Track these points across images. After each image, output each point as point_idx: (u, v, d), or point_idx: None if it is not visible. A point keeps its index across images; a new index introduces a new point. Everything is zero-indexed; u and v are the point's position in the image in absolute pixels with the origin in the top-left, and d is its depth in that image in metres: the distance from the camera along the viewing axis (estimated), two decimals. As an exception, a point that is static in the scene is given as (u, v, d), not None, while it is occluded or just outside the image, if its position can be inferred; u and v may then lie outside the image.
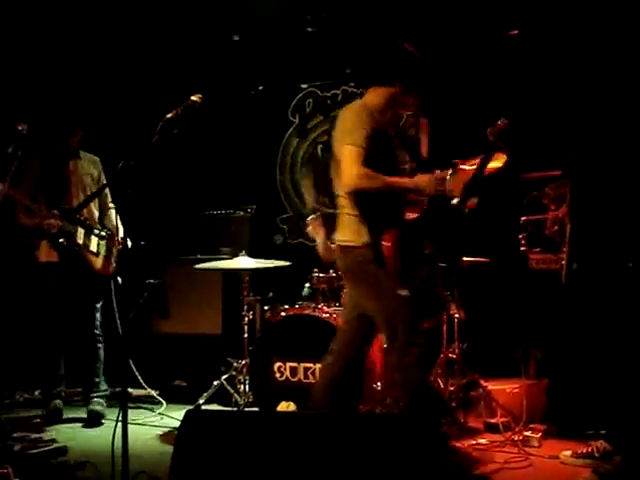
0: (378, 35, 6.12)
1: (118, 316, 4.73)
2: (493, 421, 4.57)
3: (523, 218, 4.90)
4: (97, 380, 5.17)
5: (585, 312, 4.48)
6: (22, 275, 5.50)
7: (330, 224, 4.20)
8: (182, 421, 2.87)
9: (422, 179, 3.64)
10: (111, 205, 5.19)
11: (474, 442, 4.33)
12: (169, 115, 3.39)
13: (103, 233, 5.10)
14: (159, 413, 5.21)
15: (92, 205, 5.13)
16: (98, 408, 5.04)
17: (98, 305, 5.16)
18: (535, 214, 4.91)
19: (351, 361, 3.87)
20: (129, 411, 4.95)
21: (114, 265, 5.14)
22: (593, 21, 5.20)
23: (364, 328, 3.84)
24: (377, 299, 3.68)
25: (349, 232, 3.72)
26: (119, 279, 4.79)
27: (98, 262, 5.08)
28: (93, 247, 5.05)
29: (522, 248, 4.86)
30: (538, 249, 4.83)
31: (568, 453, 3.98)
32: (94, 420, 4.96)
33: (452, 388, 4.77)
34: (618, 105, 4.96)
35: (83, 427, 4.93)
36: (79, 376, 5.38)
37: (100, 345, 5.18)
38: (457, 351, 4.86)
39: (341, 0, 6.24)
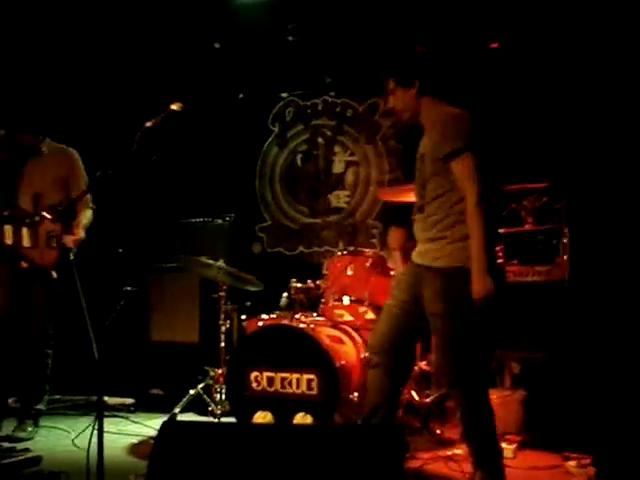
0: (359, 46, 6.18)
1: (89, 321, 4.64)
2: (469, 432, 4.59)
3: (501, 230, 4.95)
4: (38, 394, 4.87)
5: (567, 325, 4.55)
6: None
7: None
8: (158, 432, 2.85)
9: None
10: (92, 205, 4.89)
11: (450, 453, 4.33)
12: (148, 124, 3.38)
13: (37, 218, 4.65)
14: (134, 421, 5.17)
15: (49, 202, 4.69)
16: (22, 435, 4.68)
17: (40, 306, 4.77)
18: (513, 226, 4.97)
19: None
20: (104, 420, 5.00)
21: (54, 253, 4.69)
22: (577, 32, 5.29)
23: None
24: None
25: None
26: (54, 273, 4.64)
27: (39, 255, 4.68)
28: (26, 241, 4.66)
29: (499, 260, 4.91)
30: (515, 261, 4.88)
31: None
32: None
33: (427, 400, 4.79)
34: (604, 115, 5.04)
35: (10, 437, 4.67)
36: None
37: (47, 353, 4.85)
38: (432, 362, 4.88)
39: (323, 10, 6.24)
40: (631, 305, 4.61)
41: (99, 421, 3.23)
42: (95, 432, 3.24)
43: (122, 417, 5.30)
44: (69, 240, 4.62)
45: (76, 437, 4.70)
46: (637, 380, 4.32)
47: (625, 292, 4.70)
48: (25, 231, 4.67)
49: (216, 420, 4.85)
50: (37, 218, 4.60)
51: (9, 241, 4.65)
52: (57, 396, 5.53)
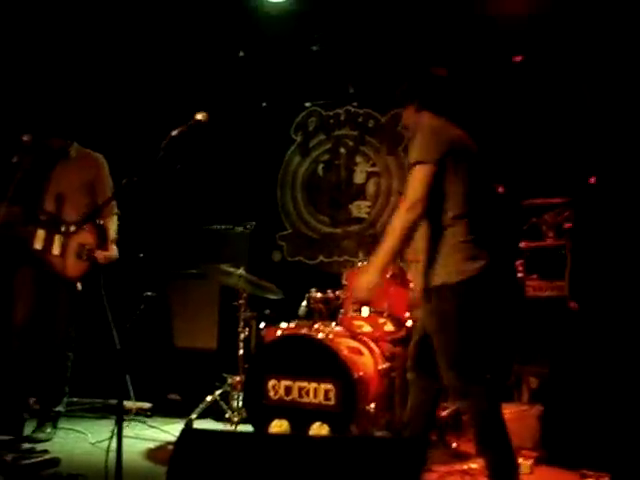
0: (383, 57, 6.20)
1: (114, 326, 4.66)
2: (485, 446, 4.58)
3: (522, 244, 4.94)
4: (58, 396, 4.87)
5: (583, 340, 4.53)
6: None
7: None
8: (178, 439, 2.87)
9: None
10: (117, 211, 4.86)
11: (465, 467, 4.32)
12: (174, 132, 3.41)
13: (72, 228, 4.63)
14: (152, 426, 5.20)
15: (72, 205, 4.73)
16: (41, 436, 4.70)
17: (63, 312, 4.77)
18: (534, 240, 4.96)
19: None
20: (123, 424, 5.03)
21: (82, 265, 4.63)
22: (596, 46, 5.28)
23: None
24: None
25: None
26: (79, 285, 4.64)
27: (63, 264, 4.64)
28: (56, 249, 4.62)
29: (519, 274, 4.91)
30: (535, 276, 4.87)
31: None
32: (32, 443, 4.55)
33: (444, 413, 4.78)
34: (623, 135, 5.03)
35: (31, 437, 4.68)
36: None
37: (68, 356, 4.85)
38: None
39: (347, 20, 6.27)
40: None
41: (118, 425, 3.26)
42: (114, 436, 3.27)
43: (140, 421, 5.35)
44: (101, 256, 4.62)
45: (99, 441, 4.72)
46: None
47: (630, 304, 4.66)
48: (57, 238, 4.64)
49: (233, 427, 4.88)
50: (72, 228, 4.58)
51: (38, 246, 4.63)
52: (75, 399, 5.58)
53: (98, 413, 5.59)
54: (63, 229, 4.61)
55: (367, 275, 3.40)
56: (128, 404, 5.52)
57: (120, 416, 3.29)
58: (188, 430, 2.97)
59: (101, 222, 4.64)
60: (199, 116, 3.58)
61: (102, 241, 4.56)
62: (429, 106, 3.60)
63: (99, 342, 5.47)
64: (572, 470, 4.15)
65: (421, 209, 3.29)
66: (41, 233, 4.63)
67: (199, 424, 5.12)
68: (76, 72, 6.24)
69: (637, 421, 4.24)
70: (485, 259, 3.37)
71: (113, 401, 5.64)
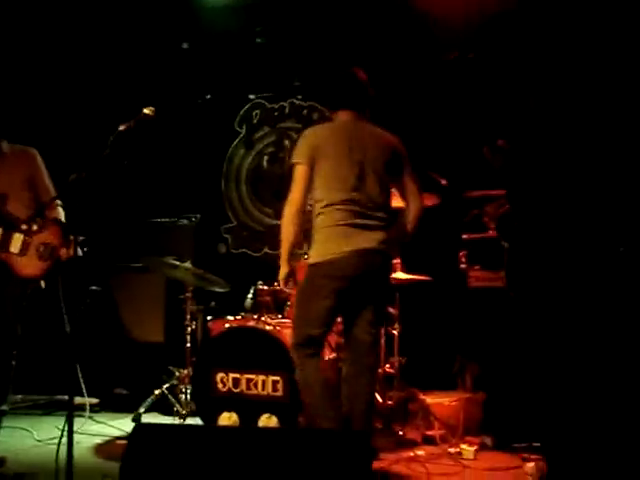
0: (327, 50, 6.23)
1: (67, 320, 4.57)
2: (430, 433, 4.70)
3: (464, 236, 5.05)
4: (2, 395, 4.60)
5: (522, 325, 4.66)
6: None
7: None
8: (130, 434, 2.88)
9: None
10: (58, 202, 4.64)
11: (412, 454, 4.42)
12: (121, 127, 3.40)
13: (34, 227, 4.45)
14: (99, 421, 5.16)
15: (16, 202, 4.52)
16: None
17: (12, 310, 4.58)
18: (476, 232, 5.07)
19: None
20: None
21: (44, 264, 4.47)
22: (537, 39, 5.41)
23: None
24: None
25: (388, 242, 3.87)
26: (42, 284, 4.52)
27: (23, 263, 4.46)
28: (14, 247, 4.43)
29: (462, 265, 5.02)
30: (478, 267, 4.98)
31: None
32: None
33: (390, 402, 4.87)
34: (557, 120, 5.17)
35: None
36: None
37: (13, 355, 4.61)
38: (396, 365, 4.97)
39: (292, 13, 6.29)
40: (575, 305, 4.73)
41: (69, 421, 3.24)
42: (62, 432, 3.26)
43: (86, 417, 5.30)
44: (64, 253, 4.46)
45: (45, 439, 4.67)
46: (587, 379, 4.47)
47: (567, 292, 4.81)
48: (16, 237, 4.44)
49: (181, 420, 4.89)
50: (35, 227, 4.43)
51: None
52: (19, 396, 5.51)
53: (42, 410, 5.54)
54: (24, 227, 4.44)
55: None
56: (76, 400, 5.48)
57: (70, 411, 3.27)
58: (140, 425, 2.97)
59: (58, 217, 4.49)
60: (146, 111, 3.58)
61: (65, 239, 4.42)
62: (334, 106, 4.10)
63: (43, 337, 5.45)
64: (514, 454, 4.28)
65: (297, 204, 3.85)
66: None
67: (147, 418, 5.11)
68: (20, 67, 6.12)
69: (572, 403, 4.40)
70: (340, 248, 3.77)
71: (58, 397, 5.60)
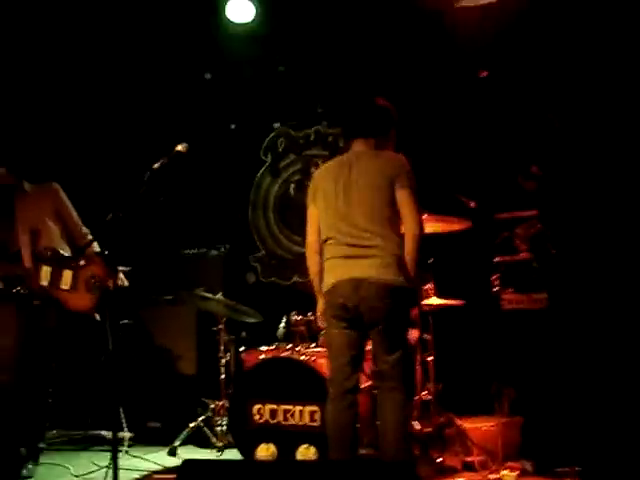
0: (350, 77, 6.25)
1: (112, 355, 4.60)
2: (469, 460, 4.64)
3: (496, 259, 5.02)
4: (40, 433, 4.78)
5: (559, 349, 4.63)
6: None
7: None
8: (179, 471, 2.87)
9: None
10: (85, 229, 4.84)
11: (451, 481, 4.38)
12: (156, 165, 3.42)
13: (82, 262, 4.62)
14: (134, 456, 5.13)
15: (47, 237, 4.69)
16: (24, 473, 4.57)
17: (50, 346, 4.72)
18: (507, 254, 5.04)
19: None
20: (103, 455, 4.98)
21: (93, 297, 4.63)
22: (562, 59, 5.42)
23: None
24: (405, 343, 3.91)
25: (399, 270, 3.76)
26: (97, 316, 4.62)
27: (75, 298, 4.62)
28: (65, 284, 4.60)
29: (495, 289, 4.97)
30: (511, 289, 4.94)
31: None
32: None
33: (428, 429, 4.82)
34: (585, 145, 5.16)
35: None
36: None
37: (49, 391, 4.76)
38: (432, 391, 4.92)
39: (315, 40, 6.31)
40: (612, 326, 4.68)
41: (114, 457, 3.23)
42: (107, 467, 3.26)
43: (123, 451, 5.29)
44: (111, 284, 4.36)
45: (82, 474, 4.67)
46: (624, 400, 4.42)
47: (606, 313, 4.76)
48: (66, 273, 4.60)
49: (219, 453, 4.87)
50: (82, 262, 4.56)
51: (45, 282, 4.56)
52: (54, 431, 5.52)
53: (77, 445, 5.53)
54: (72, 263, 4.57)
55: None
56: (108, 434, 5.47)
57: (115, 447, 3.27)
58: (187, 461, 2.95)
59: (98, 250, 4.59)
60: (179, 147, 3.61)
61: (109, 270, 4.44)
62: (346, 136, 4.20)
63: (78, 371, 5.46)
64: (556, 479, 4.22)
65: (311, 245, 4.01)
66: (46, 270, 4.56)
67: (182, 451, 5.11)
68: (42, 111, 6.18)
69: (612, 425, 4.34)
70: (335, 278, 3.82)
71: (93, 432, 5.60)
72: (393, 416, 3.80)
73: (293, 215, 6.80)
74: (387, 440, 3.80)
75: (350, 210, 3.82)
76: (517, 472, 4.37)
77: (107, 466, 3.34)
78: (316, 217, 3.98)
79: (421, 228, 3.81)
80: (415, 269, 3.79)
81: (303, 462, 4.02)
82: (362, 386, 4.83)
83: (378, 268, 3.73)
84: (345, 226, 3.82)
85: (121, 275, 4.75)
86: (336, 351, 3.87)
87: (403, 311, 3.85)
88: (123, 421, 5.17)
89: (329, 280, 3.87)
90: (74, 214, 4.85)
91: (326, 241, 3.90)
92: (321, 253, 3.94)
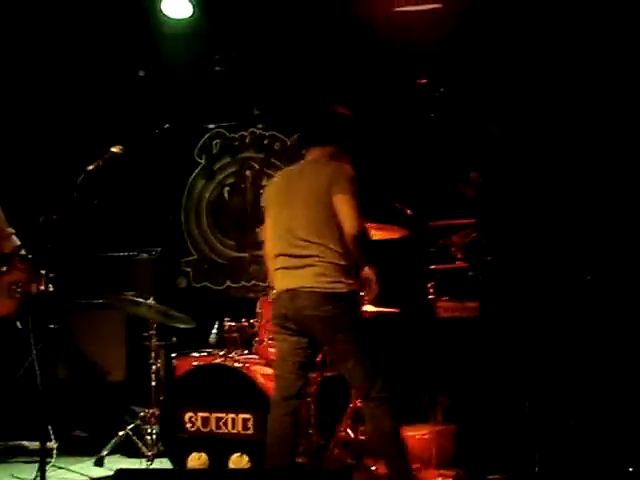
0: (288, 78, 6.20)
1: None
2: (403, 468, 4.63)
3: (432, 266, 5.03)
4: None
5: (491, 357, 4.67)
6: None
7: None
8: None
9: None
10: (9, 230, 4.65)
11: (385, 489, 4.36)
12: (90, 167, 3.32)
13: (4, 268, 4.47)
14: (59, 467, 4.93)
15: None
16: None
17: None
18: (443, 262, 5.05)
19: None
20: (24, 466, 4.78)
21: (15, 302, 4.48)
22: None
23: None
24: (360, 349, 3.78)
25: (334, 278, 3.73)
26: (18, 323, 4.49)
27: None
28: None
29: (430, 297, 4.99)
30: (446, 297, 4.96)
31: None
32: None
33: (362, 437, 4.79)
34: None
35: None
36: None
37: None
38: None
39: (250, 40, 6.22)
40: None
41: (41, 470, 3.09)
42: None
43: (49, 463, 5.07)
44: (34, 289, 4.24)
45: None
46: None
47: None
48: None
49: (149, 462, 4.73)
50: (4, 268, 4.38)
51: None
52: None
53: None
54: None
55: None
56: (30, 445, 5.27)
57: (43, 458, 3.13)
58: (122, 471, 2.85)
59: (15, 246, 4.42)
60: (114, 149, 3.51)
61: (34, 274, 4.24)
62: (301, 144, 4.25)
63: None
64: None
65: (265, 251, 4.04)
66: None
67: (110, 461, 4.95)
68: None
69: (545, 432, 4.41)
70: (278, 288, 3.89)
71: (13, 442, 5.38)
72: (370, 428, 3.87)
73: (227, 219, 6.70)
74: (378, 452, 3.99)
75: (292, 222, 3.83)
76: (450, 479, 4.40)
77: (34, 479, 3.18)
78: (270, 227, 3.99)
79: (359, 229, 3.74)
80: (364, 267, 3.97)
81: (240, 470, 3.93)
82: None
83: (311, 277, 3.73)
84: (288, 238, 3.83)
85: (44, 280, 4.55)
86: (280, 358, 3.88)
87: (343, 317, 3.78)
88: (50, 431, 4.96)
89: (274, 290, 3.94)
90: (1, 214, 4.64)
91: (275, 253, 3.91)
92: None
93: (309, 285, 3.72)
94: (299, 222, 3.81)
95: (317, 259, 3.74)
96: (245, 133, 6.73)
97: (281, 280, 3.85)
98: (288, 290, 3.77)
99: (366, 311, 4.84)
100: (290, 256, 3.81)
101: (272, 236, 3.94)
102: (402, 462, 3.81)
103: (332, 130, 4.00)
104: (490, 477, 4.38)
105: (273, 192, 4.05)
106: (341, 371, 3.89)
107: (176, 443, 4.50)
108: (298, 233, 3.79)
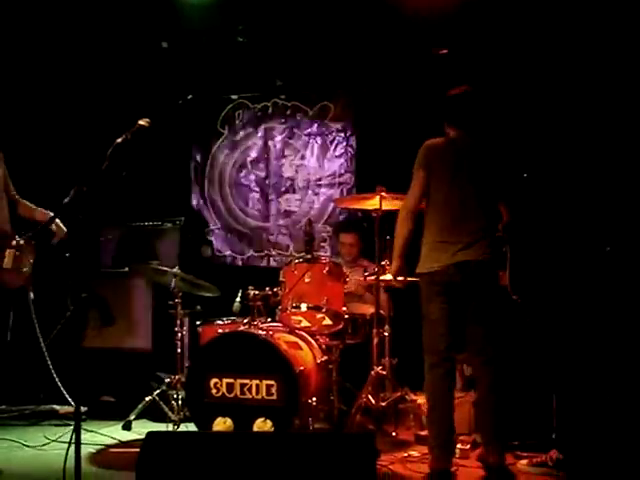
0: (310, 49, 6.20)
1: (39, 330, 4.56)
2: (423, 434, 4.72)
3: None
4: None
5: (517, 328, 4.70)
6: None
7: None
8: (143, 443, 2.87)
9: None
10: (18, 197, 4.83)
11: (405, 454, 4.46)
12: (119, 140, 3.38)
13: (22, 242, 4.60)
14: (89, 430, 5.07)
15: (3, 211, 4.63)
16: None
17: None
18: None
19: None
20: (55, 429, 4.92)
21: (27, 273, 4.68)
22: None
23: None
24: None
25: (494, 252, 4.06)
26: (31, 294, 4.63)
27: (12, 276, 4.59)
28: (7, 263, 4.53)
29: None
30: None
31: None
32: None
33: (383, 403, 4.89)
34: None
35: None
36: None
37: None
38: (387, 366, 4.99)
39: (273, 11, 6.21)
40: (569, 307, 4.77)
41: (76, 432, 3.20)
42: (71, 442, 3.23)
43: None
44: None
45: (36, 447, 4.62)
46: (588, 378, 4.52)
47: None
48: (9, 253, 4.52)
49: (175, 427, 4.86)
50: (21, 242, 4.50)
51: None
52: (3, 406, 5.43)
53: (27, 420, 5.44)
54: (14, 243, 4.49)
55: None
56: (61, 409, 5.42)
57: (78, 421, 3.24)
58: (153, 433, 2.97)
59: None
60: (142, 122, 3.56)
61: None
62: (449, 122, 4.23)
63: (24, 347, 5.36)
64: (507, 452, 4.32)
65: (409, 205, 4.15)
66: None
67: (137, 425, 5.08)
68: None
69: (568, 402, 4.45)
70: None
71: (44, 407, 5.53)
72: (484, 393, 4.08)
73: (249, 188, 6.76)
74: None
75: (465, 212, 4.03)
76: (468, 445, 4.48)
77: (69, 442, 3.30)
78: (424, 183, 4.07)
79: None
80: None
81: (264, 434, 4.03)
82: (318, 361, 4.91)
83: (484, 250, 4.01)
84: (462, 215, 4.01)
85: (57, 222, 4.75)
86: (435, 322, 4.03)
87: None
88: (67, 395, 5.11)
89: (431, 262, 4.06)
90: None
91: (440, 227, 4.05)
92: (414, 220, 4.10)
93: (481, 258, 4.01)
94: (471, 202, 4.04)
95: (481, 235, 4.04)
96: (268, 104, 6.75)
97: (448, 253, 4.00)
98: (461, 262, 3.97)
99: (388, 280, 4.91)
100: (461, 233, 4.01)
101: (438, 211, 4.07)
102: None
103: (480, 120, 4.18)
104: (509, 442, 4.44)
105: (439, 161, 4.10)
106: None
107: (201, 408, 4.58)
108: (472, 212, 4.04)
